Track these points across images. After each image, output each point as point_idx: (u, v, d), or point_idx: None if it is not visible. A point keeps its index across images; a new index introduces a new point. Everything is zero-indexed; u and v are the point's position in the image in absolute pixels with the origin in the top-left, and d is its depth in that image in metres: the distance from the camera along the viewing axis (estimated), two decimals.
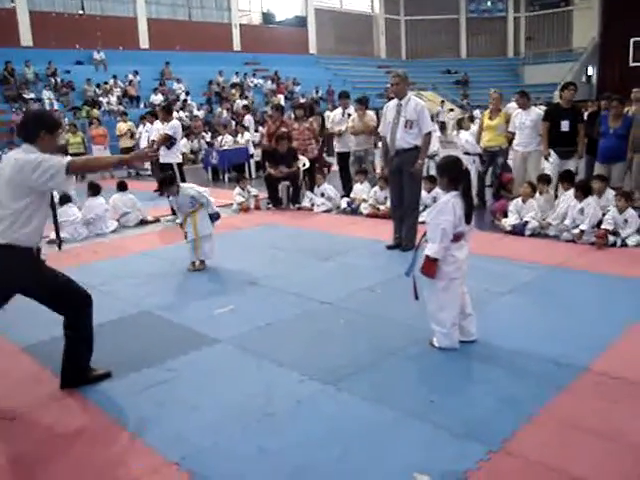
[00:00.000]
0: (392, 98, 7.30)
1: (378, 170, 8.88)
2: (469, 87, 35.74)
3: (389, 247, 7.20)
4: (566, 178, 7.81)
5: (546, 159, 8.59)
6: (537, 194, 7.89)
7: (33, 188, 3.52)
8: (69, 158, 3.68)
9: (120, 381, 3.96)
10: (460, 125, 11.46)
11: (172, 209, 9.50)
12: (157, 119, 12.70)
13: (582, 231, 6.93)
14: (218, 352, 4.39)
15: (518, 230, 7.58)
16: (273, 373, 3.96)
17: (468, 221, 4.10)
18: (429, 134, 7.02)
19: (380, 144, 9.89)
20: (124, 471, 3.01)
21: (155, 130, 10.69)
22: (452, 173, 4.13)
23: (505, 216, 8.02)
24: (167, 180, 6.77)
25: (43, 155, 3.55)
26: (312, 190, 10.44)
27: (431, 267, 4.03)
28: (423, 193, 8.25)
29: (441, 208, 4.07)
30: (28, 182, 3.48)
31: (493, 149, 9.25)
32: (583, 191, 7.15)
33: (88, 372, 3.97)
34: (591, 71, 33.65)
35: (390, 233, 7.34)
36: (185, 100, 23.72)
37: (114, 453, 3.17)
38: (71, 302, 3.83)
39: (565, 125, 8.36)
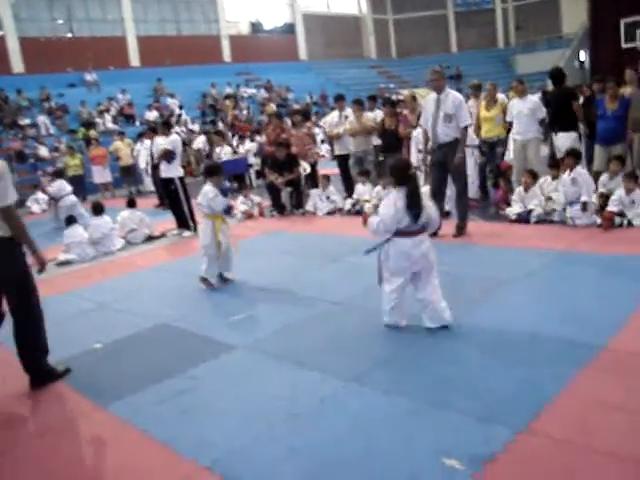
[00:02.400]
0: (388, 98, 7.45)
1: (414, 161, 8.97)
2: (462, 81, 35.80)
3: None
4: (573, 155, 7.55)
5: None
6: (549, 179, 7.90)
7: None
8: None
9: (143, 393, 4.00)
10: None
11: (179, 223, 9.59)
12: (155, 135, 12.83)
13: (585, 203, 6.95)
14: (238, 358, 4.44)
15: (523, 218, 7.62)
16: (294, 374, 4.01)
17: (415, 220, 4.40)
18: (466, 127, 7.24)
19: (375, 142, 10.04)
20: None
21: (156, 146, 10.76)
22: (399, 175, 4.48)
23: (508, 205, 8.05)
24: (213, 168, 6.66)
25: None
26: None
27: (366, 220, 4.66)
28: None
29: (385, 203, 4.52)
30: None
31: (492, 140, 9.28)
32: (574, 158, 7.23)
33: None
34: (583, 56, 33.66)
35: None
36: (180, 115, 23.80)
37: (146, 463, 3.21)
38: None
39: None
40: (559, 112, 8.71)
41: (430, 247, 4.49)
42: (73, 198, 11.95)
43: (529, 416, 3.12)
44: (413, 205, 4.38)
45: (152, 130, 13.67)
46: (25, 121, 21.28)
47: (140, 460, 3.24)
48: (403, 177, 4.46)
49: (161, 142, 10.11)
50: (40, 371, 4.36)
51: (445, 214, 7.66)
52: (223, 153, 15.95)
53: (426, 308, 4.50)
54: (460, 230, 7.30)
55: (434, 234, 7.27)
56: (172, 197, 9.61)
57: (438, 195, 7.39)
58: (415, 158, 9.06)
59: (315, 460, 2.99)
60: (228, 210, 6.55)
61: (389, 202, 4.45)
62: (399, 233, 4.43)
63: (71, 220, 9.08)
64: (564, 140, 8.60)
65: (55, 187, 12.15)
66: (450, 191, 7.63)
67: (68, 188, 12.11)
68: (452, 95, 7.18)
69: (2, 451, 3.52)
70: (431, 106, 7.28)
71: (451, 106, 7.07)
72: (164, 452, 3.25)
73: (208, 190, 6.35)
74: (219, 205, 6.33)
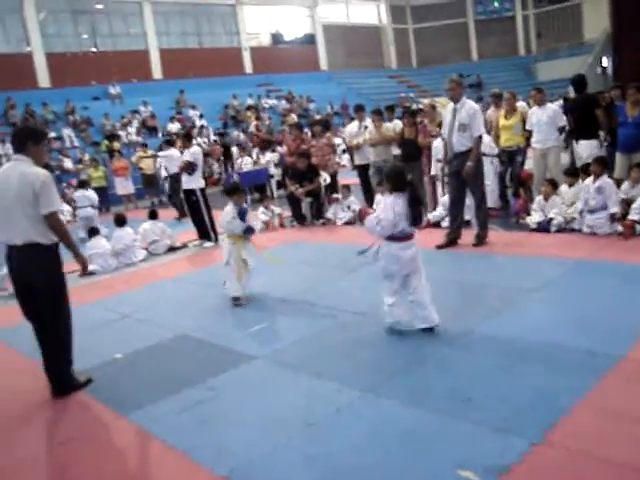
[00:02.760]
0: (408, 107, 7.46)
1: (433, 171, 9.03)
2: (483, 89, 35.69)
3: (439, 246, 7.36)
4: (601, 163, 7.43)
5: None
6: (566, 187, 7.85)
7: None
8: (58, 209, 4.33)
9: (163, 402, 4.06)
10: None
11: (200, 234, 9.68)
12: (172, 146, 13.10)
13: (613, 214, 6.88)
14: (256, 368, 4.48)
15: (543, 227, 7.57)
16: (312, 384, 4.04)
17: (414, 224, 4.61)
18: (480, 137, 7.20)
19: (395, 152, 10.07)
20: None
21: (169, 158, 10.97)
22: (395, 181, 4.66)
23: (529, 214, 8.02)
24: (233, 188, 6.59)
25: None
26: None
27: (364, 217, 4.87)
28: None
29: (383, 208, 4.65)
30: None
31: (511, 149, 9.24)
32: (601, 165, 7.14)
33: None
34: (605, 62, 33.38)
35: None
36: (202, 126, 24.04)
37: (165, 472, 3.26)
38: None
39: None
40: (580, 119, 8.64)
41: (417, 251, 4.68)
42: (90, 210, 12.18)
43: (546, 427, 3.11)
44: (415, 210, 4.56)
45: (168, 142, 13.94)
46: (50, 134, 21.65)
47: (159, 469, 3.29)
48: (400, 183, 4.64)
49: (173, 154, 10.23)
50: (63, 381, 4.45)
51: (465, 223, 7.66)
52: (244, 164, 16.13)
53: (417, 309, 4.66)
54: (480, 239, 7.28)
55: (454, 243, 7.34)
56: (193, 208, 9.71)
57: (457, 204, 7.41)
58: (434, 168, 9.08)
59: (331, 469, 3.01)
60: (248, 231, 6.34)
61: (388, 207, 4.58)
62: (391, 237, 4.61)
63: (94, 231, 9.23)
64: (586, 148, 8.53)
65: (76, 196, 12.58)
66: (470, 200, 7.62)
67: (87, 201, 12.32)
68: (468, 105, 7.18)
69: (26, 457, 3.59)
70: (449, 116, 7.30)
71: (465, 115, 7.08)
72: (183, 461, 3.29)
73: (228, 211, 6.29)
74: (237, 228, 6.25)
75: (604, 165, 7.27)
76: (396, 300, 4.71)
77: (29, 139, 4.34)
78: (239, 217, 6.24)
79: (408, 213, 4.54)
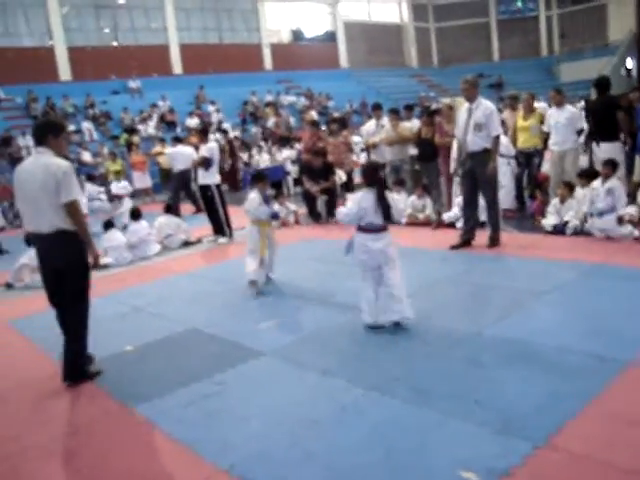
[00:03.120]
0: (427, 107, 7.45)
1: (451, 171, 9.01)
2: (504, 89, 35.44)
3: (453, 247, 7.35)
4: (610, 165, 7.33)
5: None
6: (580, 190, 7.78)
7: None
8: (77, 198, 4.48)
9: (171, 395, 4.09)
10: None
11: (215, 229, 9.72)
12: (180, 143, 13.30)
13: (621, 217, 6.80)
14: (264, 364, 4.50)
15: (559, 230, 7.51)
16: (317, 382, 4.05)
17: (385, 218, 4.85)
18: (498, 137, 7.19)
19: (412, 152, 10.04)
20: None
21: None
22: (368, 177, 5.00)
23: (544, 216, 7.96)
24: (258, 175, 6.98)
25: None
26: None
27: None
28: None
29: (352, 199, 4.97)
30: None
31: (528, 150, 9.17)
32: (611, 167, 7.08)
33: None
34: (630, 63, 32.99)
35: (428, 239, 7.40)
36: (220, 122, 24.12)
37: (167, 463, 3.29)
38: None
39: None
40: (602, 122, 8.49)
41: (390, 244, 4.90)
42: (97, 204, 12.46)
43: (550, 430, 3.09)
44: (382, 205, 4.82)
45: (175, 139, 14.13)
46: (70, 127, 21.85)
47: (163, 461, 3.32)
48: (371, 179, 4.94)
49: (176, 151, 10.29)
50: (76, 368, 4.54)
51: (480, 224, 7.63)
52: (261, 160, 16.17)
53: (391, 302, 4.79)
54: (493, 241, 7.24)
55: (468, 244, 7.30)
56: (208, 203, 9.75)
57: (470, 205, 7.38)
58: (453, 167, 9.02)
59: (332, 466, 3.02)
60: (274, 216, 6.75)
61: (355, 200, 4.91)
62: (361, 229, 4.89)
63: (109, 224, 9.30)
64: (607, 150, 8.36)
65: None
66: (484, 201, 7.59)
67: (101, 195, 12.71)
68: (484, 104, 7.15)
69: (34, 445, 3.64)
70: (463, 115, 7.28)
71: (481, 115, 7.05)
72: (187, 454, 3.31)
73: (253, 197, 6.53)
74: (263, 213, 6.52)
75: (614, 167, 7.19)
76: (371, 299, 4.89)
77: (49, 132, 4.50)
78: (264, 201, 6.51)
79: (377, 208, 4.81)
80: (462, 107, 7.49)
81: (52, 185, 4.29)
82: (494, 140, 7.11)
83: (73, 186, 4.40)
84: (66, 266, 4.44)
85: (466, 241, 7.35)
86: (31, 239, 4.63)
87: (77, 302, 4.53)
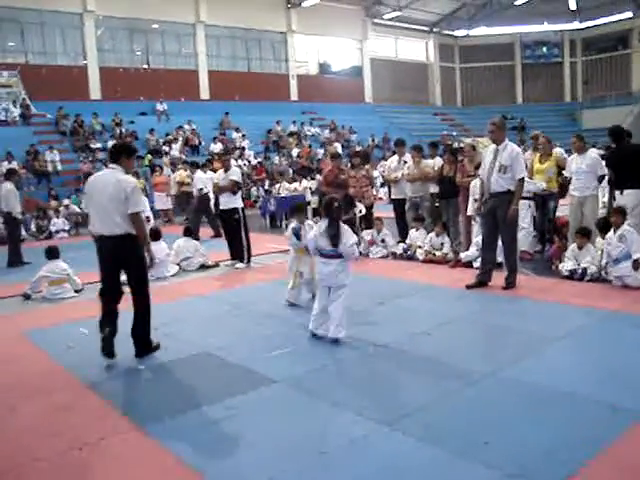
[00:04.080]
0: (450, 145, 7.54)
1: (469, 211, 9.04)
2: (526, 132, 35.54)
3: (469, 286, 7.34)
4: (620, 213, 7.36)
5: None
6: (598, 239, 7.76)
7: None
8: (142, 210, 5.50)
9: (181, 418, 4.10)
10: None
11: (233, 253, 9.77)
12: (199, 168, 13.59)
13: (636, 261, 6.76)
14: (275, 392, 4.50)
15: (576, 275, 7.49)
16: (328, 413, 4.05)
17: (333, 244, 5.50)
18: (522, 180, 7.23)
19: (432, 189, 10.10)
20: None
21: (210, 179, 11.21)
22: (325, 209, 5.69)
23: (561, 261, 7.94)
24: (299, 207, 7.44)
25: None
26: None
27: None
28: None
29: (312, 227, 6.14)
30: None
31: (544, 193, 9.20)
32: (621, 215, 7.11)
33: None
34: None
35: (444, 277, 7.40)
36: (243, 148, 24.39)
37: None
38: None
39: None
40: (623, 170, 8.47)
41: (339, 271, 5.53)
42: None
43: (561, 478, 3.06)
44: (330, 233, 5.51)
45: (192, 165, 14.35)
46: (96, 145, 22.23)
47: None
48: (326, 211, 5.64)
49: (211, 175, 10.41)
50: (145, 342, 5.48)
51: (497, 265, 7.62)
52: (281, 189, 16.31)
53: (330, 319, 5.54)
54: (509, 283, 7.23)
55: (484, 284, 7.29)
56: (233, 227, 9.79)
57: (490, 246, 7.38)
58: (471, 207, 9.06)
59: None
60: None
61: (314, 228, 5.95)
62: (320, 253, 5.66)
63: None
64: (632, 198, 8.30)
65: None
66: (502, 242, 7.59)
67: None
68: (510, 147, 7.22)
69: (42, 458, 3.66)
70: (489, 156, 7.34)
71: (507, 157, 7.11)
72: (193, 479, 3.32)
73: (300, 227, 7.05)
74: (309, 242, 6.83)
75: (623, 214, 7.22)
76: (316, 310, 5.67)
77: (124, 153, 5.49)
78: (294, 234, 7.04)
79: (327, 236, 5.52)
80: (488, 148, 7.56)
81: (121, 197, 5.17)
82: (518, 183, 7.15)
83: (139, 200, 5.34)
84: (133, 262, 5.37)
85: (482, 281, 7.35)
86: (96, 239, 5.37)
87: (142, 286, 5.50)
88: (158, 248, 9.37)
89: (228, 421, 4.01)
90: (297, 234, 6.99)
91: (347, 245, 5.50)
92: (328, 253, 5.56)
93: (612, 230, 7.17)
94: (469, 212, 9.21)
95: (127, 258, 5.36)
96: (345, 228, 5.62)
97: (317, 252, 5.69)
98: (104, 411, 4.34)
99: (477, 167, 8.50)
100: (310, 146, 26.56)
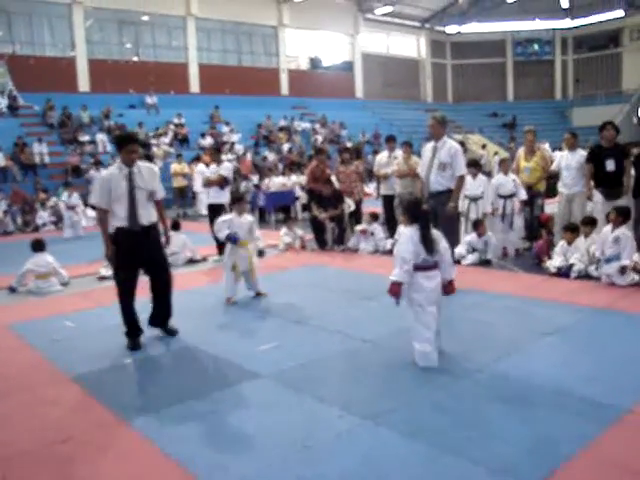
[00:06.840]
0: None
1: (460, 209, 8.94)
2: (516, 130, 35.68)
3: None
4: (621, 213, 7.22)
5: (589, 199, 8.55)
6: (582, 237, 7.78)
7: None
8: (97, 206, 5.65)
9: (167, 411, 4.09)
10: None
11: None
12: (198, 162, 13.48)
13: (624, 267, 6.76)
14: (261, 386, 4.49)
15: (563, 272, 7.51)
16: (313, 408, 4.04)
17: (429, 252, 4.64)
18: (462, 177, 7.06)
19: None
20: None
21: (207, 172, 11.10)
22: (411, 212, 4.75)
23: (549, 257, 7.97)
24: (239, 198, 7.46)
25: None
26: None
27: (394, 289, 4.59)
28: (473, 237, 8.40)
29: (401, 240, 4.74)
30: None
31: (531, 191, 9.24)
32: (622, 215, 7.01)
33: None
34: None
35: None
36: (233, 143, 24.31)
37: (158, 479, 3.28)
38: None
39: (610, 164, 8.25)
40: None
41: (439, 282, 4.78)
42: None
43: (544, 473, 3.07)
44: (426, 240, 4.69)
45: (196, 159, 14.31)
46: (85, 137, 22.08)
47: (155, 476, 3.31)
48: (415, 215, 4.75)
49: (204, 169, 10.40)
50: (167, 316, 5.91)
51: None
52: (271, 184, 16.27)
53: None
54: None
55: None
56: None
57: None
58: (460, 204, 9.00)
59: None
60: (230, 239, 7.08)
61: (403, 240, 4.77)
62: (417, 267, 4.71)
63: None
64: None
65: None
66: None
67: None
68: (449, 143, 7.07)
69: (26, 451, 3.64)
70: (428, 154, 7.14)
71: (446, 155, 6.94)
72: (178, 472, 3.31)
73: (222, 218, 7.25)
74: (218, 233, 7.23)
75: (625, 215, 7.12)
76: (433, 337, 4.75)
77: (117, 145, 5.76)
78: (231, 242, 7.05)
79: (423, 245, 4.70)
80: (426, 145, 7.36)
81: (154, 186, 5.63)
82: (458, 179, 6.97)
83: (161, 187, 5.76)
84: (157, 247, 5.79)
85: None
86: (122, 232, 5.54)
87: (167, 268, 5.95)
88: None
89: (214, 415, 4.00)
90: (234, 241, 7.02)
91: (445, 249, 4.79)
92: (429, 264, 4.70)
93: (610, 226, 7.08)
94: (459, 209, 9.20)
95: (155, 243, 5.77)
96: (435, 232, 4.80)
97: (413, 269, 4.63)
98: (89, 404, 4.32)
99: (469, 165, 8.52)
100: (301, 141, 26.51)
